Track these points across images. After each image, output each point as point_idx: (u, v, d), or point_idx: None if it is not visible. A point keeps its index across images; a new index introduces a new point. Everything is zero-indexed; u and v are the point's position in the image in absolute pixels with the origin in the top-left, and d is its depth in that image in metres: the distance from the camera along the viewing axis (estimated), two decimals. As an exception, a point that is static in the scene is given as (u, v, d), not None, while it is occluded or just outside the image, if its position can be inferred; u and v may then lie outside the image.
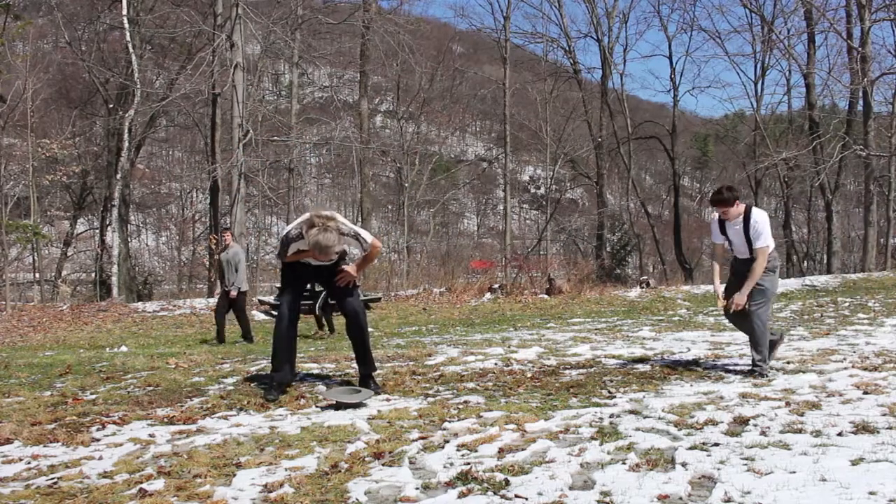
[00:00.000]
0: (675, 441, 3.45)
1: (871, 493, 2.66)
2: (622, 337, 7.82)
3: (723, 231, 5.28)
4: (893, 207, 22.72)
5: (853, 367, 5.22)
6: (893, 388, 4.44)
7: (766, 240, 5.11)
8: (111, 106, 24.68)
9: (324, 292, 10.72)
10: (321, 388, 5.04)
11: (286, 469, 3.28)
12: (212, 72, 18.36)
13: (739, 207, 5.19)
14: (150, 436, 3.95)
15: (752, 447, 3.29)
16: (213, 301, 16.87)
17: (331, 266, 4.85)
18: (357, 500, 2.87)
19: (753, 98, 30.28)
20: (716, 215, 5.34)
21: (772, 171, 29.16)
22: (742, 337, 7.44)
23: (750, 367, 5.25)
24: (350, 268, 4.85)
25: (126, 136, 20.01)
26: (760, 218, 5.14)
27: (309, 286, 4.90)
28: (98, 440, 3.92)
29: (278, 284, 15.88)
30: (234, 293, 9.97)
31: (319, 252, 4.54)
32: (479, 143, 55.16)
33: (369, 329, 5.31)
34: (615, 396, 4.55)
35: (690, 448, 3.31)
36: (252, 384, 5.25)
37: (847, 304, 11.15)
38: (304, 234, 4.58)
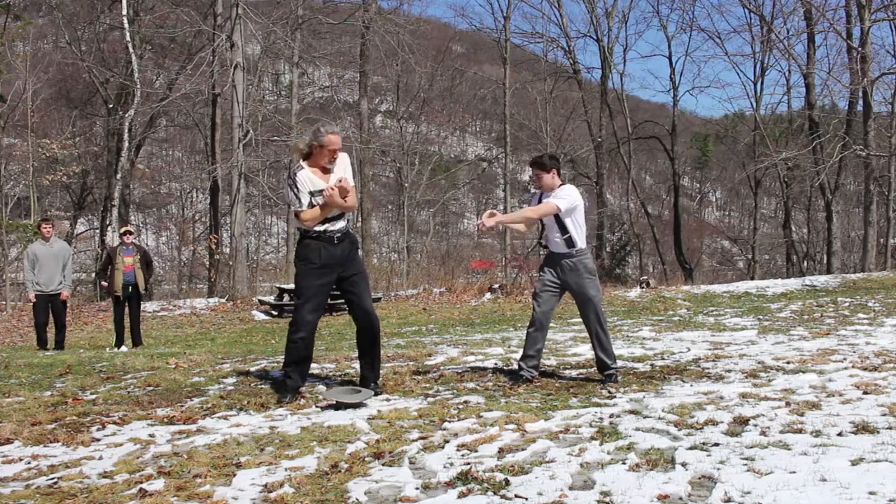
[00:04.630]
0: (675, 441, 3.45)
1: (871, 493, 2.66)
2: (622, 337, 7.82)
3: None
4: (893, 207, 22.70)
5: (853, 367, 5.21)
6: (893, 388, 4.44)
7: (560, 201, 4.86)
8: (111, 106, 24.69)
9: (125, 305, 9.87)
10: (321, 388, 5.04)
11: (286, 469, 3.27)
12: (212, 72, 18.38)
13: (556, 181, 5.00)
14: (150, 436, 3.95)
15: (752, 447, 3.29)
16: (214, 302, 16.89)
17: (350, 265, 4.71)
18: (357, 500, 2.87)
19: (753, 98, 30.31)
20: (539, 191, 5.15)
21: (771, 171, 29.16)
22: (742, 337, 7.45)
23: (602, 377, 5.07)
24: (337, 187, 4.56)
25: (126, 136, 20.01)
26: (570, 189, 4.97)
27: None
28: (98, 440, 3.92)
29: (278, 284, 15.93)
30: (66, 294, 9.56)
31: (331, 143, 4.50)
32: (479, 143, 55.13)
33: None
34: (615, 396, 4.55)
35: (690, 448, 3.31)
36: (252, 384, 5.25)
37: (847, 304, 11.15)
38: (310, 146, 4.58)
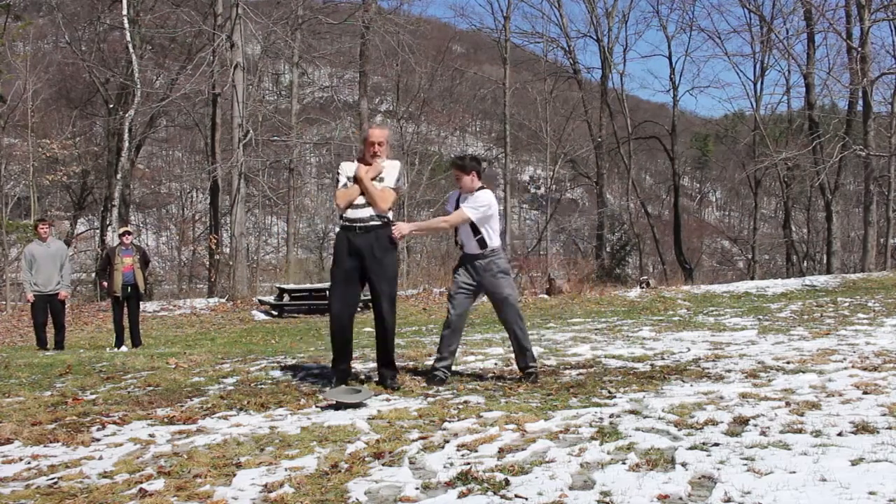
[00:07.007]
0: (675, 441, 3.45)
1: (871, 493, 2.66)
2: (622, 337, 7.82)
3: (457, 207, 5.12)
4: (893, 207, 22.70)
5: (853, 367, 5.21)
6: (893, 388, 4.44)
7: (472, 212, 4.94)
8: (111, 106, 24.68)
9: (125, 306, 9.86)
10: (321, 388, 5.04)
11: (286, 469, 3.27)
12: (212, 72, 18.37)
13: (475, 183, 5.07)
14: (150, 436, 3.95)
15: (752, 447, 3.29)
16: (214, 302, 16.89)
17: (374, 261, 4.85)
18: (357, 500, 2.87)
19: (753, 98, 30.29)
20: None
21: (771, 171, 29.15)
22: (742, 337, 7.45)
23: (521, 374, 5.18)
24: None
25: (126, 136, 20.00)
26: (485, 197, 5.01)
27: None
28: (98, 440, 3.92)
29: (278, 284, 15.92)
30: (64, 293, 9.57)
31: (370, 136, 4.95)
32: (479, 143, 55.09)
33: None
34: (615, 396, 4.55)
35: (690, 448, 3.31)
36: (252, 384, 5.25)
37: (847, 304, 11.15)
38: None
